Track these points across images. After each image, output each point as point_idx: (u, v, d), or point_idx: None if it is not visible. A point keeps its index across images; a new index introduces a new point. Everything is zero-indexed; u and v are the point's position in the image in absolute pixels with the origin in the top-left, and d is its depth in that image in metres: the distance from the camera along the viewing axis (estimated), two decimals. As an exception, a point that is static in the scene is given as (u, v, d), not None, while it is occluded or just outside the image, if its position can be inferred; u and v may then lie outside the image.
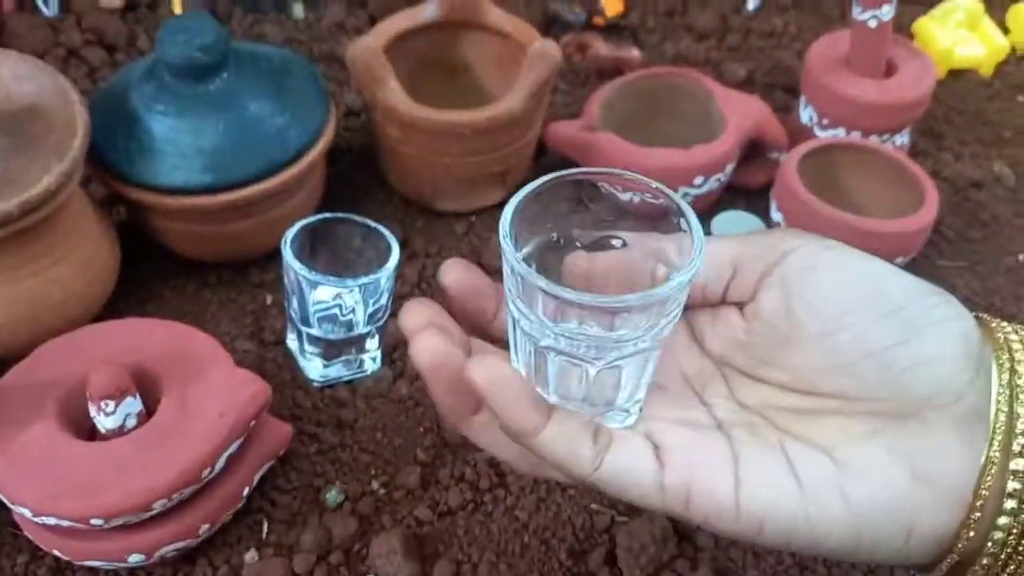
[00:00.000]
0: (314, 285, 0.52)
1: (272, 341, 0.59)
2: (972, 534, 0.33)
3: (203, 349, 0.49)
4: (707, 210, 0.69)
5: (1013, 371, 0.34)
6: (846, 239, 0.60)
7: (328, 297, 0.53)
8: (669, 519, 0.51)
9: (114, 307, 0.59)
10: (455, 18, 0.68)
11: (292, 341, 0.58)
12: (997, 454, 0.33)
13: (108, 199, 0.65)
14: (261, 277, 0.63)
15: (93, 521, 0.42)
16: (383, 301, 0.55)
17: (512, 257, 0.33)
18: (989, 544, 0.33)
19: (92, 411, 0.46)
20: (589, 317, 0.34)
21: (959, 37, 0.87)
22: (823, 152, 0.68)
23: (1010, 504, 0.33)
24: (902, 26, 0.86)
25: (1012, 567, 0.34)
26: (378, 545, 0.49)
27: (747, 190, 0.72)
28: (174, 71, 0.56)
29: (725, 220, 0.63)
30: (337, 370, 0.57)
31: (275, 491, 0.52)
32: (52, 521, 0.43)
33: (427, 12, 0.68)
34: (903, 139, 0.73)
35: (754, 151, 0.71)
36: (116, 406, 0.45)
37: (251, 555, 0.49)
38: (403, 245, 0.66)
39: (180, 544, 0.46)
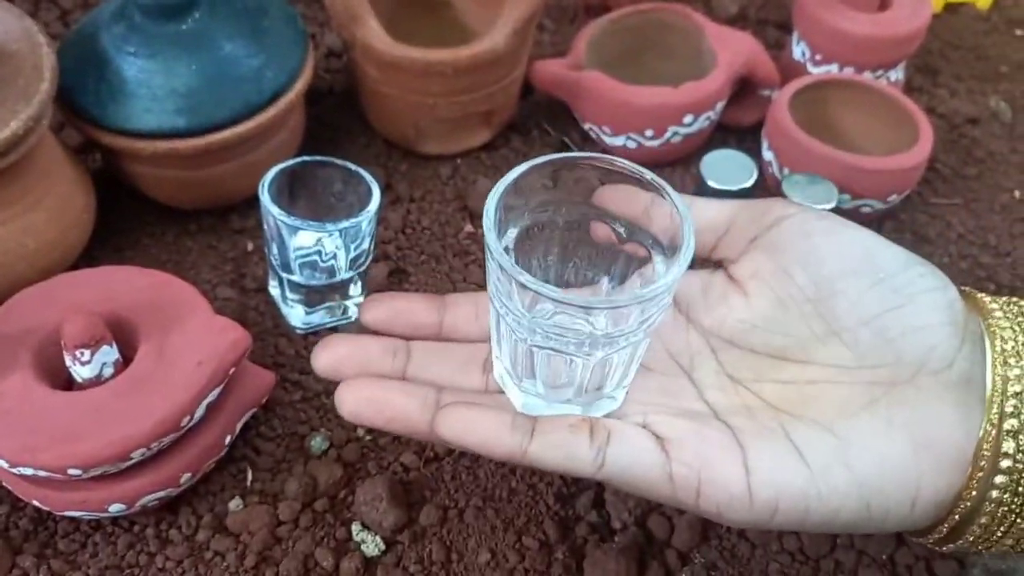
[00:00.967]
0: (294, 230, 0.51)
1: (254, 288, 0.58)
2: (974, 494, 0.34)
3: (182, 296, 0.48)
4: (697, 149, 0.68)
5: (1001, 338, 0.35)
6: (839, 176, 0.60)
7: (309, 243, 0.52)
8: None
9: (91, 256, 0.57)
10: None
11: (274, 288, 0.57)
12: (995, 416, 0.34)
13: (83, 146, 0.64)
14: (242, 223, 0.62)
15: (71, 471, 0.42)
16: (365, 246, 0.54)
17: (498, 255, 0.32)
18: (987, 504, 0.34)
19: (68, 360, 0.45)
20: (578, 314, 0.33)
21: (955, -31, 0.85)
22: (815, 89, 0.66)
23: (1005, 463, 0.33)
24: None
25: (1006, 525, 0.35)
26: (363, 492, 0.48)
27: (738, 128, 0.71)
28: (144, 10, 0.54)
29: (715, 159, 0.61)
30: (320, 317, 0.56)
31: (259, 439, 0.51)
32: (30, 472, 0.42)
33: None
34: (897, 75, 0.72)
35: (745, 89, 0.69)
36: (92, 355, 0.44)
37: (235, 503, 0.48)
38: (386, 189, 0.64)
39: (162, 493, 0.45)
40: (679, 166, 0.69)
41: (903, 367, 0.35)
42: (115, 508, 0.44)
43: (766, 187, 0.65)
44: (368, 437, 0.52)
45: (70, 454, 0.41)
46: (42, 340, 0.46)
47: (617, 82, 0.64)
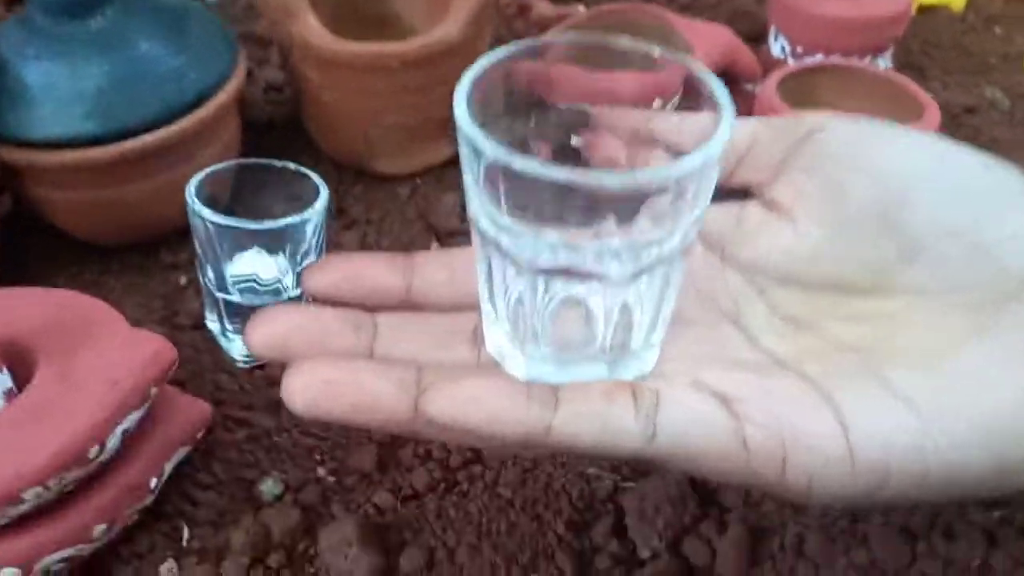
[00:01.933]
0: (228, 233, 0.43)
1: (188, 325, 0.50)
2: None
3: (92, 314, 0.40)
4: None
5: None
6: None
7: (246, 270, 0.45)
8: (690, 482, 0.41)
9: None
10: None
11: (212, 322, 0.48)
12: None
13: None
14: (174, 258, 0.54)
15: (-58, 523, 0.32)
16: (312, 258, 0.46)
17: (483, 143, 0.24)
18: None
19: (-55, 392, 0.36)
20: (598, 211, 0.25)
21: (926, -26, 0.82)
22: (804, 77, 0.60)
23: None
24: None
25: None
26: (327, 537, 0.39)
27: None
28: (45, 8, 0.48)
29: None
30: (266, 346, 0.47)
31: (196, 488, 0.42)
32: None
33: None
34: (885, 64, 0.67)
35: (727, 84, 0.64)
36: (-26, 382, 0.35)
37: (168, 566, 0.38)
38: (339, 214, 0.57)
39: (69, 551, 0.35)
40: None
41: (1006, 282, 0.29)
42: (6, 574, 0.35)
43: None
44: (331, 478, 0.42)
45: (-61, 499, 0.32)
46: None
47: (593, 71, 0.58)
